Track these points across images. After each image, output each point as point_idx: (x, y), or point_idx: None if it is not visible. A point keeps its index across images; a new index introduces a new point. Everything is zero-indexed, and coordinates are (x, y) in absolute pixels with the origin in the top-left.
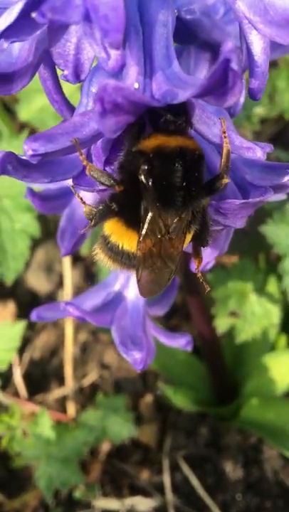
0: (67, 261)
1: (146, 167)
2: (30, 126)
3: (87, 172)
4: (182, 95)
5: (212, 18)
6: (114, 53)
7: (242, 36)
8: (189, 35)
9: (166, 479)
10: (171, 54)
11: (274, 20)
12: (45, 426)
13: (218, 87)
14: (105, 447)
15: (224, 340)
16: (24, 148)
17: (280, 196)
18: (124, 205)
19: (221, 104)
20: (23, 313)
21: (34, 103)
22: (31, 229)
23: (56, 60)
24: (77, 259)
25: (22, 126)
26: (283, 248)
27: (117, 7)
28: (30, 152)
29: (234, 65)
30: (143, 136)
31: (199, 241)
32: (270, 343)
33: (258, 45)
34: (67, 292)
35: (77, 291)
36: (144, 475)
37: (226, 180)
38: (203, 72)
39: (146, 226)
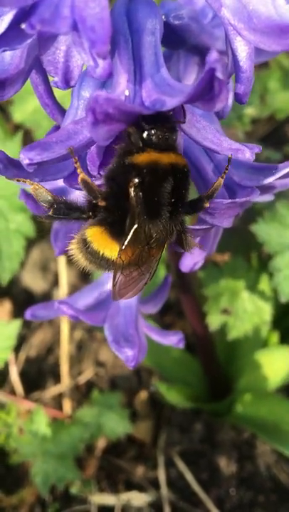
0: (62, 260)
1: (137, 181)
2: (24, 127)
3: (79, 180)
4: (170, 102)
5: (200, 22)
6: (102, 62)
7: (227, 42)
8: (178, 40)
9: (161, 475)
10: (159, 60)
11: (258, 27)
12: (41, 423)
13: (205, 94)
14: (101, 443)
15: (217, 337)
16: (20, 157)
17: (268, 197)
18: (110, 217)
19: (209, 110)
20: (19, 312)
21: (28, 104)
22: (26, 229)
23: (46, 67)
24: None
25: (16, 127)
26: (274, 246)
27: (104, 18)
28: (27, 161)
29: (219, 74)
30: (136, 150)
31: (180, 246)
32: (263, 340)
33: (242, 51)
34: (62, 291)
35: (73, 290)
36: (140, 471)
37: (207, 204)
38: (192, 75)
39: (129, 237)
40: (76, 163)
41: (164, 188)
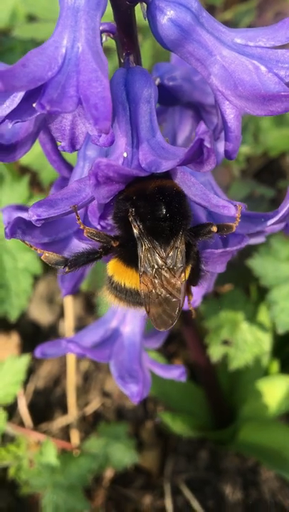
0: None
1: (132, 209)
2: (30, 169)
3: (84, 234)
4: (165, 165)
5: (192, 81)
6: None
7: (216, 104)
8: (173, 99)
9: (168, 503)
10: (154, 126)
11: (243, 94)
12: (50, 455)
13: (195, 159)
14: (109, 474)
15: (220, 367)
16: (30, 213)
17: (260, 239)
18: (121, 247)
19: (199, 170)
20: (27, 344)
21: (34, 148)
22: (33, 267)
23: (54, 134)
24: (78, 290)
25: (23, 169)
26: (270, 280)
27: (105, 97)
28: (35, 217)
29: (207, 143)
30: (126, 186)
31: (190, 280)
32: (264, 369)
33: (230, 113)
34: (68, 323)
35: (79, 322)
36: (147, 499)
37: (214, 228)
38: (187, 127)
39: (142, 259)
40: (78, 219)
41: (156, 206)
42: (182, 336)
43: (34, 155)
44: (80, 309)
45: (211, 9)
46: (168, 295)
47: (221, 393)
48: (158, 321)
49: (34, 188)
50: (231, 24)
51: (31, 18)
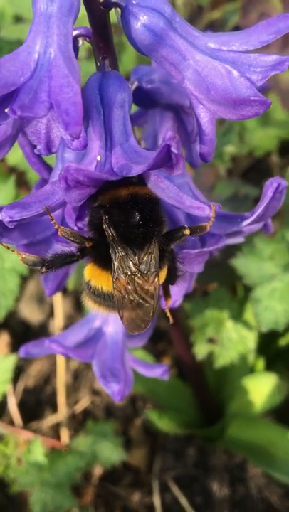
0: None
1: (106, 217)
2: (17, 169)
3: (59, 233)
4: (136, 169)
5: (170, 84)
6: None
7: (192, 108)
8: (151, 101)
9: (157, 500)
10: (128, 130)
11: (215, 98)
12: (38, 453)
13: (164, 163)
14: (97, 471)
15: (207, 364)
16: (2, 215)
17: (238, 239)
18: (96, 252)
19: (170, 174)
20: (17, 343)
21: (19, 150)
22: (20, 267)
23: (30, 137)
24: (67, 289)
25: (11, 169)
26: (253, 279)
27: (76, 102)
28: (8, 219)
29: (174, 149)
30: (100, 192)
31: (167, 280)
32: (249, 367)
33: (204, 117)
34: (58, 322)
35: (69, 321)
36: (136, 497)
37: (187, 231)
38: (167, 127)
39: (116, 266)
40: (52, 220)
41: (129, 214)
42: (170, 335)
43: (21, 155)
44: (70, 308)
45: (199, 9)
46: (141, 300)
47: (208, 391)
48: (131, 325)
49: (22, 187)
50: (219, 23)
51: (18, 19)
